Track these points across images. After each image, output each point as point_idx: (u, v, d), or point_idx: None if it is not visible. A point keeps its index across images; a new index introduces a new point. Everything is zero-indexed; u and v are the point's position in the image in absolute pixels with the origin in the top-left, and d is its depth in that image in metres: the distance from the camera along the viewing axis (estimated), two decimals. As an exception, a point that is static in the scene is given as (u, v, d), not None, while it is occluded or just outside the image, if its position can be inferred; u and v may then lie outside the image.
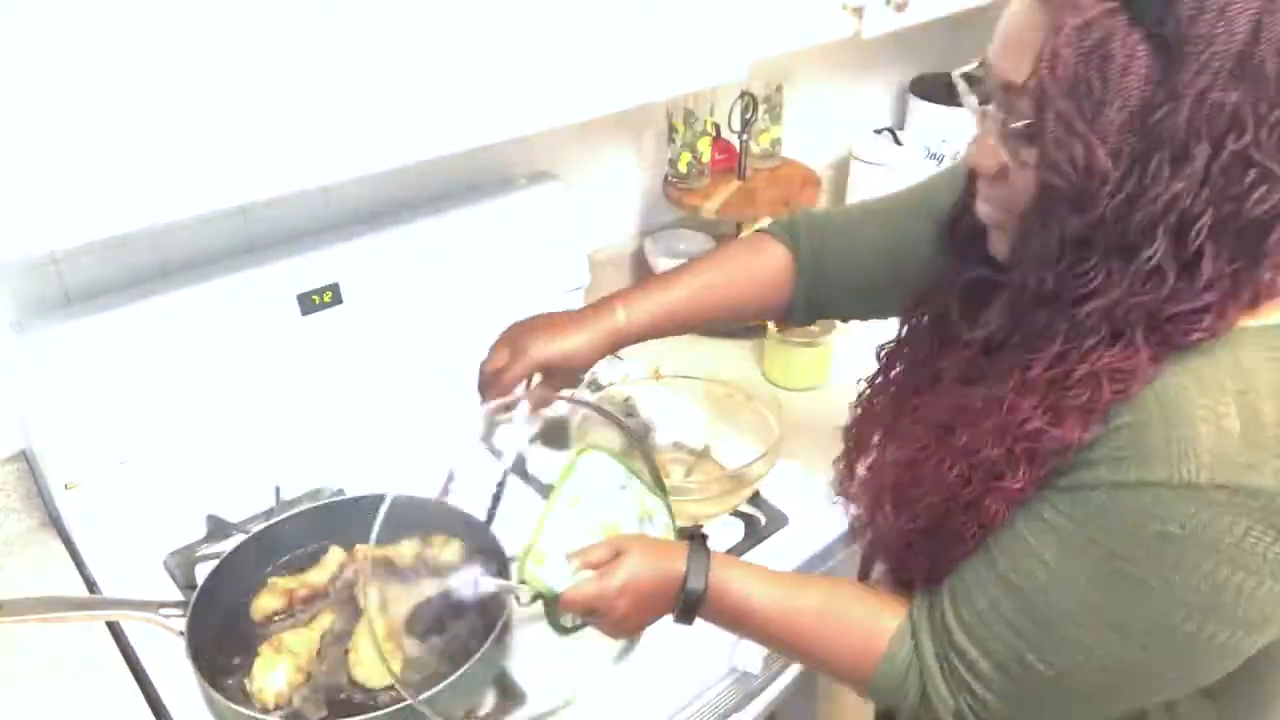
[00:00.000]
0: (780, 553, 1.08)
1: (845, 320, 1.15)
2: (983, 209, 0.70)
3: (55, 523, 1.12)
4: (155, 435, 1.08)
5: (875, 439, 0.87)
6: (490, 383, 0.88)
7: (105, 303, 1.05)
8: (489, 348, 0.92)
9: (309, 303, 1.15)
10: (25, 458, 1.11)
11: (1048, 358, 0.63)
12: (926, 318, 0.84)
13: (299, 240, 1.19)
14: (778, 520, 1.12)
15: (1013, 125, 0.61)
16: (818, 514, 1.08)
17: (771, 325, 1.36)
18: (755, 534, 1.10)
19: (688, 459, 1.20)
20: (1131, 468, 0.60)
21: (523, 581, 0.75)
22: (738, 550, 1.08)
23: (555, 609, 0.77)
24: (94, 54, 0.70)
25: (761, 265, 0.97)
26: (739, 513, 1.11)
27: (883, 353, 0.90)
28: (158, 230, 0.86)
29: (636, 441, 0.91)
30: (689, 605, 0.77)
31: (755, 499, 1.13)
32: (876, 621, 0.75)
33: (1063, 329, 0.63)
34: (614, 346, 0.90)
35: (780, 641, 0.80)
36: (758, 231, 1.00)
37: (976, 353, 0.70)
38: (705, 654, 1.02)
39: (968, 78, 0.68)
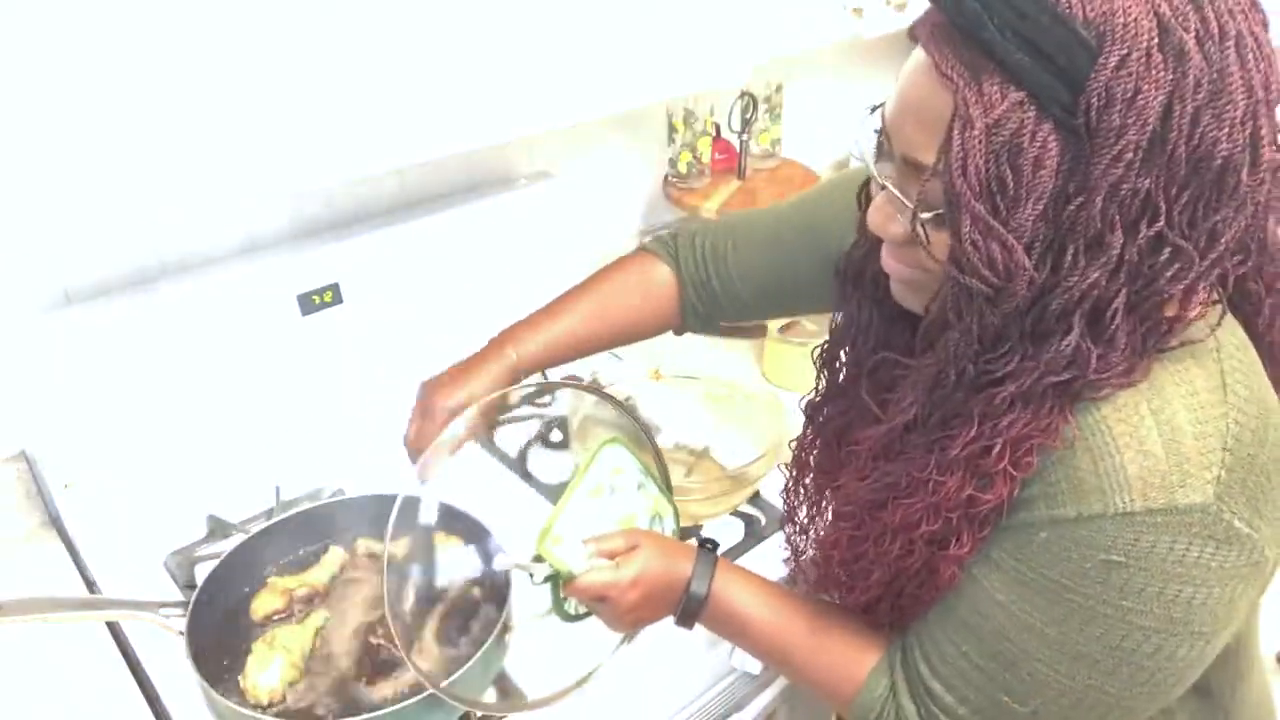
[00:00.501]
0: (780, 553, 1.08)
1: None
2: (890, 265, 0.69)
3: (55, 523, 1.12)
4: (155, 435, 1.08)
5: (813, 497, 0.89)
6: (415, 450, 0.89)
7: (105, 303, 1.05)
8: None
9: (309, 303, 1.15)
10: (25, 458, 1.11)
11: (964, 439, 0.63)
12: (841, 376, 0.85)
13: (299, 240, 1.19)
14: (778, 520, 1.12)
15: (923, 214, 0.60)
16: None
17: (772, 325, 1.36)
18: (755, 534, 1.10)
19: (688, 459, 1.20)
20: (1068, 503, 0.61)
21: (539, 559, 0.75)
22: (738, 550, 1.08)
23: (562, 594, 0.78)
24: (95, 54, 0.70)
25: (648, 284, 0.98)
26: (739, 513, 1.11)
27: (807, 408, 0.90)
28: (158, 230, 0.86)
29: (651, 442, 0.91)
30: (690, 609, 0.79)
31: (755, 499, 1.13)
32: (860, 653, 0.76)
33: (977, 411, 0.62)
34: (512, 382, 0.92)
35: (771, 656, 0.81)
36: (640, 250, 1.00)
37: (892, 428, 0.69)
38: (705, 654, 1.02)
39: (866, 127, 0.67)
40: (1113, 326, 0.58)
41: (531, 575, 0.77)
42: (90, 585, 1.05)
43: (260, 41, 0.77)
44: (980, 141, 0.55)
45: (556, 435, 1.22)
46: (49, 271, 1.07)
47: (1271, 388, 0.65)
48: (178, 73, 0.74)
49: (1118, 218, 0.55)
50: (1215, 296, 0.62)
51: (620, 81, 1.03)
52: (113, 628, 0.99)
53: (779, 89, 1.59)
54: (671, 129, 1.52)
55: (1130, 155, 0.53)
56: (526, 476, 1.19)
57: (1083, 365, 0.59)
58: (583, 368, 1.36)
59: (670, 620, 0.81)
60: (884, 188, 0.64)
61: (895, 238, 0.65)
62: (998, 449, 0.61)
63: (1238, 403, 0.61)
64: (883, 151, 0.66)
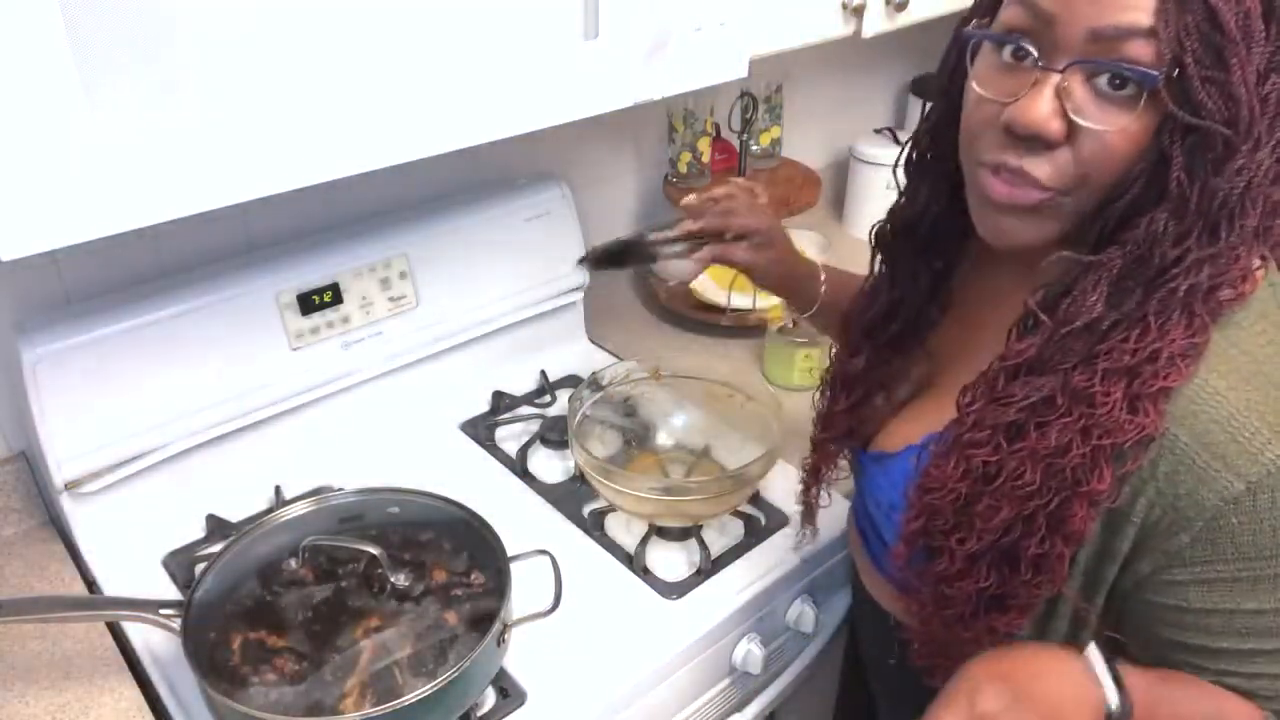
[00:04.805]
0: (780, 553, 1.08)
1: None
2: (1014, 191, 0.65)
3: (55, 523, 1.12)
4: (155, 435, 1.08)
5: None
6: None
7: (105, 303, 1.05)
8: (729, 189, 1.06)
9: (309, 303, 1.15)
10: (25, 458, 1.11)
11: (1135, 343, 0.61)
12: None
13: (299, 240, 1.19)
14: (778, 520, 1.12)
15: (1159, 70, 0.57)
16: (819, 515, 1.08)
17: (771, 325, 1.37)
18: (755, 534, 1.10)
19: (688, 459, 1.20)
20: (1231, 479, 0.60)
21: None
22: (738, 550, 1.08)
23: None
24: (92, 50, 0.70)
25: None
26: (739, 513, 1.11)
27: (861, 329, 0.86)
28: (157, 230, 0.86)
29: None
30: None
31: (755, 499, 1.13)
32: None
33: (1153, 309, 0.61)
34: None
35: None
36: None
37: (1069, 331, 0.64)
38: (705, 654, 1.02)
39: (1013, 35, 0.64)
40: (1255, 221, 0.60)
41: None
42: (90, 585, 1.05)
43: (258, 37, 0.76)
44: (1229, 3, 0.56)
45: (556, 435, 1.22)
46: (49, 272, 1.07)
47: None
48: (176, 70, 0.74)
49: None
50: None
51: (620, 81, 1.02)
52: (113, 628, 0.99)
53: (779, 89, 1.59)
54: (671, 129, 1.52)
55: None
56: (526, 476, 1.19)
57: (1233, 258, 0.60)
58: (584, 366, 1.36)
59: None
60: (1037, 81, 0.61)
61: (1058, 133, 0.61)
62: (1164, 359, 0.60)
63: None
64: (1017, 49, 0.63)
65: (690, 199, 1.06)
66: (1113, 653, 0.66)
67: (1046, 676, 0.65)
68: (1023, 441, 0.65)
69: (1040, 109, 0.61)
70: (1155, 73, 0.57)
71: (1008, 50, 0.63)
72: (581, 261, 1.08)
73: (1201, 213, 0.59)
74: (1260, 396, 0.61)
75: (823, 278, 1.06)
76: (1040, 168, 0.63)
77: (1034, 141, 0.62)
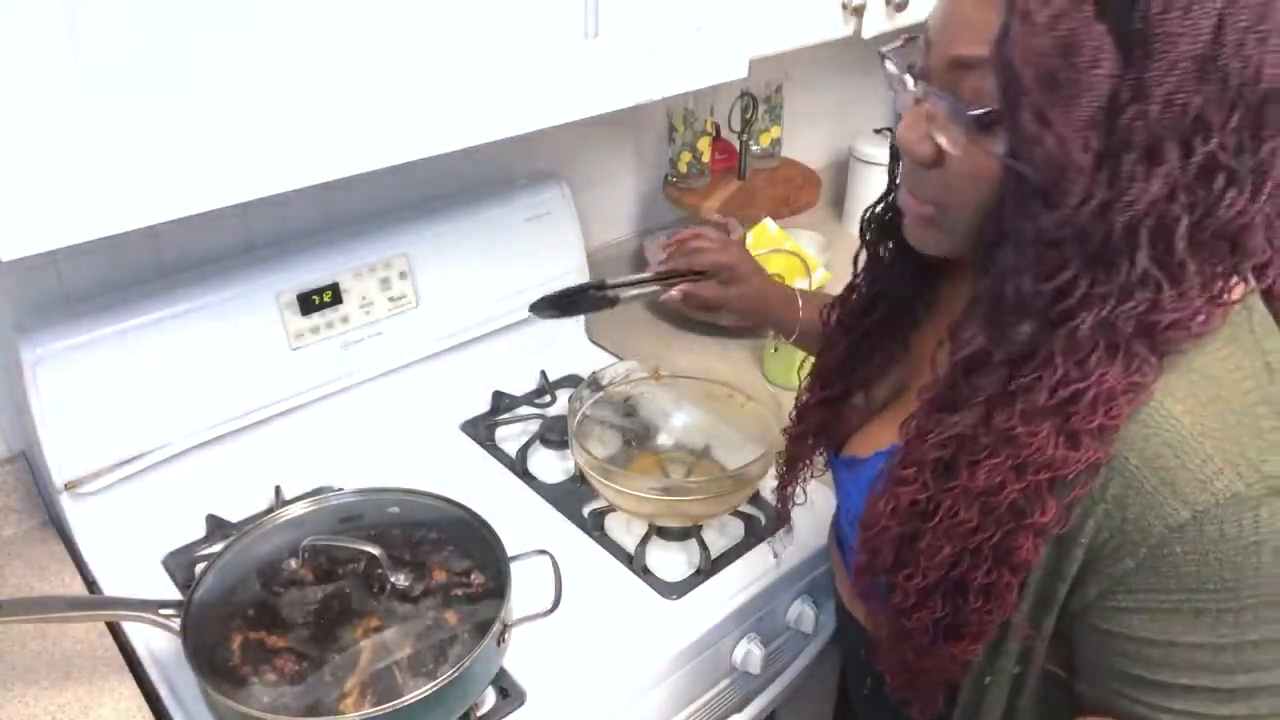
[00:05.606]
0: (780, 552, 1.08)
1: None
2: (909, 202, 0.68)
3: (55, 523, 1.12)
4: (155, 435, 1.08)
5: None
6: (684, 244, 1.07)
7: (105, 303, 1.05)
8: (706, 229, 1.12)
9: (309, 303, 1.15)
10: (25, 458, 1.11)
11: (1051, 383, 0.59)
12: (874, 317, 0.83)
13: (299, 240, 1.19)
14: (777, 520, 1.12)
15: (971, 111, 0.58)
16: (817, 514, 1.08)
17: (771, 325, 1.37)
18: (755, 534, 1.10)
19: (688, 459, 1.20)
20: (1176, 507, 0.58)
21: None
22: (738, 550, 1.08)
23: None
24: (92, 49, 0.70)
25: None
26: (739, 513, 1.11)
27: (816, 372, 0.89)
28: (157, 230, 0.86)
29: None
30: None
31: (755, 499, 1.13)
32: None
33: (1058, 349, 0.59)
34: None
35: None
36: None
37: (953, 375, 0.64)
38: (705, 654, 1.02)
39: (898, 54, 0.66)
40: (1179, 254, 0.57)
41: None
42: (90, 585, 1.05)
43: (258, 37, 0.77)
44: (1038, 32, 0.54)
45: (556, 435, 1.22)
46: (49, 272, 1.07)
47: None
48: (175, 70, 0.74)
49: (1172, 131, 0.54)
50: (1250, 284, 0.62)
51: (620, 81, 1.02)
52: (113, 628, 0.99)
53: (779, 89, 1.59)
54: (671, 129, 1.52)
55: (1184, 65, 0.53)
56: (526, 476, 1.19)
57: (1154, 292, 0.57)
58: (584, 366, 1.36)
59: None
60: (917, 101, 0.63)
61: (924, 157, 0.63)
62: (1089, 398, 0.58)
63: None
64: (916, 68, 0.65)
65: (660, 242, 1.09)
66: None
67: None
68: (955, 480, 0.64)
69: (909, 131, 0.64)
70: (975, 109, 0.58)
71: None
72: (532, 308, 1.09)
73: (1058, 247, 0.58)
74: (1217, 423, 0.59)
75: (800, 302, 1.07)
76: (921, 185, 0.66)
77: (913, 160, 0.65)
